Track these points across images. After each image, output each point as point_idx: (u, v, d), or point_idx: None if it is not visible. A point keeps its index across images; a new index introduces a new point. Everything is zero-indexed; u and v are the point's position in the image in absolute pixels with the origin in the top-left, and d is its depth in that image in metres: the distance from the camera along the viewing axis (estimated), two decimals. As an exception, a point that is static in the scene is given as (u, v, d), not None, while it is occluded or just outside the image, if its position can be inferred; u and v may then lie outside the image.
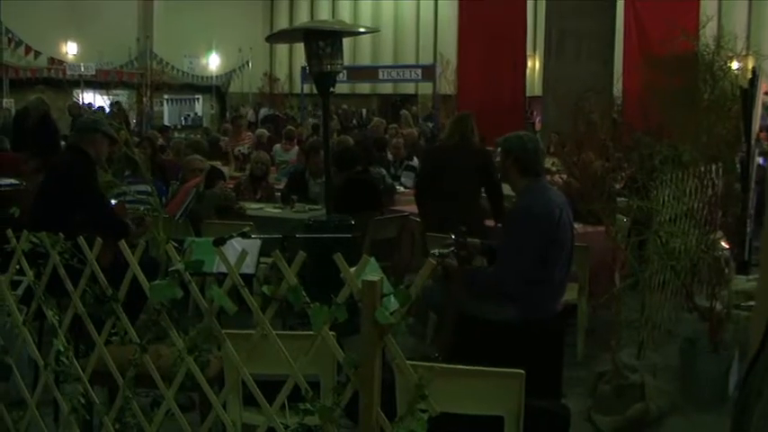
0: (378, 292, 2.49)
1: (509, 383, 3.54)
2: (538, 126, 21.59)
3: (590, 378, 5.87)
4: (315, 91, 8.16)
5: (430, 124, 22.97)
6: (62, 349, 3.33)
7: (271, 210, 8.98)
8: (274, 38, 9.46)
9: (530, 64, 24.26)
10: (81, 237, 3.23)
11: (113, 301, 3.09)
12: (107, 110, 23.18)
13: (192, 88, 30.45)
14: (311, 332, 3.93)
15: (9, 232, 3.42)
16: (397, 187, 10.91)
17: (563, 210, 5.24)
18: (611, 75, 17.24)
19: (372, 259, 2.74)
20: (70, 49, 26.64)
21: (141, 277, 3.01)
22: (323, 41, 7.34)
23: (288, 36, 9.79)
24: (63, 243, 3.25)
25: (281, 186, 10.24)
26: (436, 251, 4.94)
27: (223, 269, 3.25)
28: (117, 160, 7.88)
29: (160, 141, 13.89)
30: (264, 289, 2.68)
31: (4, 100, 23.73)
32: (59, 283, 3.35)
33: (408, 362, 2.58)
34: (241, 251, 3.19)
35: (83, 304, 3.22)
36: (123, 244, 3.07)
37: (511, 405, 3.53)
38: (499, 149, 5.69)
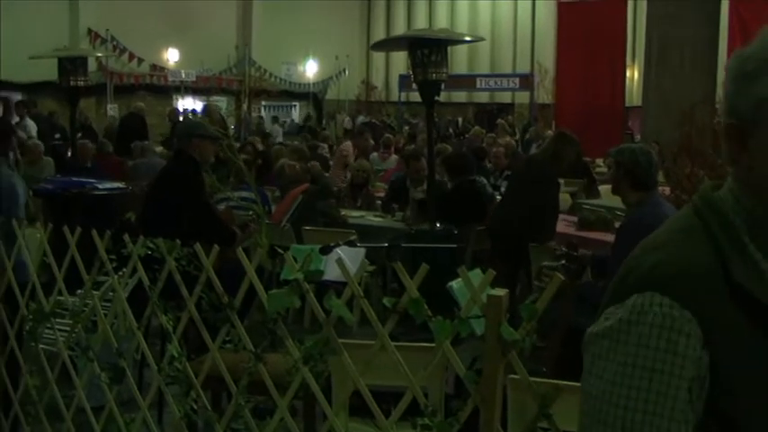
0: (503, 307, 2.43)
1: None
2: (637, 137, 21.25)
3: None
4: (412, 99, 8.15)
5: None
6: (176, 355, 3.34)
7: (371, 218, 8.96)
8: (378, 46, 9.48)
9: (628, 74, 23.88)
10: (197, 244, 3.23)
11: (229, 309, 3.08)
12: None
13: (288, 95, 30.71)
14: (423, 344, 3.91)
15: (126, 237, 3.44)
16: (497, 197, 10.80)
17: (676, 225, 5.10)
18: (715, 83, 16.83)
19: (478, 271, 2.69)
20: (172, 56, 27.08)
21: (258, 286, 3.00)
22: (428, 50, 7.31)
23: (392, 45, 9.80)
24: (180, 249, 3.26)
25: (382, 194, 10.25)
26: (546, 264, 4.85)
27: (330, 277, 3.23)
28: (221, 166, 7.95)
29: (260, 147, 14.02)
30: (386, 301, 2.64)
31: (109, 105, 24.23)
32: (169, 287, 3.37)
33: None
34: (346, 259, 3.17)
35: (198, 311, 3.23)
36: (241, 252, 3.06)
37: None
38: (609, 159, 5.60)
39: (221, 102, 27.56)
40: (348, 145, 14.13)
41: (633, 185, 5.21)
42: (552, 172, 7.60)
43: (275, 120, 28.56)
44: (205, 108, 23.10)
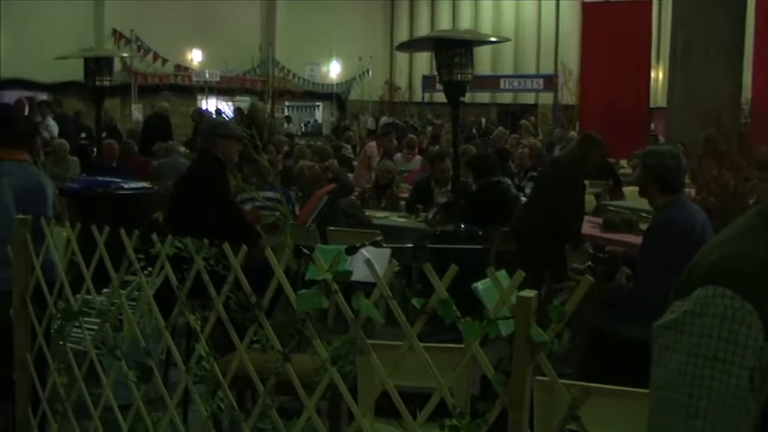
0: (532, 309, 2.43)
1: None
2: (661, 138, 21.15)
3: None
4: (435, 99, 8.18)
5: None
6: (204, 354, 3.35)
7: (396, 219, 8.97)
8: (404, 47, 9.49)
9: (652, 74, 23.76)
10: (226, 243, 3.24)
11: (257, 309, 3.09)
12: (230, 115, 23.59)
13: (312, 95, 30.77)
14: (450, 345, 3.90)
15: (154, 236, 3.45)
16: (522, 199, 10.78)
17: (705, 227, 5.08)
18: (740, 83, 16.71)
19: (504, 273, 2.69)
20: (195, 57, 27.20)
21: (287, 286, 3.00)
22: (454, 51, 7.31)
23: (417, 45, 9.81)
24: (208, 249, 3.27)
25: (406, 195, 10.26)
26: (576, 265, 4.85)
27: (356, 278, 3.23)
28: (245, 166, 7.98)
29: (286, 148, 14.08)
30: (414, 301, 2.64)
31: (133, 105, 24.35)
32: (194, 286, 3.38)
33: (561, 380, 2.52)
34: (373, 259, 3.17)
35: (225, 310, 3.24)
36: (269, 252, 3.07)
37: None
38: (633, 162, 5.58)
39: (245, 102, 27.63)
40: (372, 145, 14.15)
41: (661, 189, 5.19)
42: (577, 174, 7.57)
43: (288, 120, 28.55)
44: (236, 110, 23.20)
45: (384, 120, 27.98)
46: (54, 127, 17.73)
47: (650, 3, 21.55)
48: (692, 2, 16.37)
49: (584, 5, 24.10)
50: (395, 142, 16.27)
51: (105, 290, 4.29)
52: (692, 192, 9.81)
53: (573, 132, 22.34)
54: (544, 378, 2.56)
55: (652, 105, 22.75)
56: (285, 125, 26.84)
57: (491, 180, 8.76)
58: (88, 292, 3.77)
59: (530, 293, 2.44)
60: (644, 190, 5.37)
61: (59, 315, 3.84)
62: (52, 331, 3.96)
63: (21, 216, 4.05)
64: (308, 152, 12.12)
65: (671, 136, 17.32)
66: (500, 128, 21.33)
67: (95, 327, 3.84)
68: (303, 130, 29.90)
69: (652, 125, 24.36)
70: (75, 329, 3.95)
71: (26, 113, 16.15)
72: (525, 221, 7.63)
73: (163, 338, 3.53)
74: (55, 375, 3.89)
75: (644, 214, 7.94)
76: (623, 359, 4.91)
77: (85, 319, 3.92)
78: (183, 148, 16.48)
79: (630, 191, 10.64)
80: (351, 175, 11.75)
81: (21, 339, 4.05)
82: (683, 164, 5.37)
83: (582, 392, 2.49)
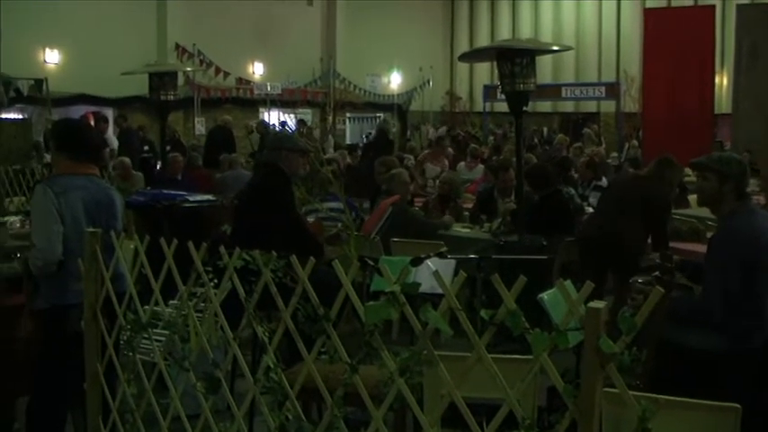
0: (602, 320, 2.40)
1: (725, 418, 3.37)
2: (727, 144, 20.85)
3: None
4: (496, 109, 8.18)
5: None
6: (272, 365, 3.36)
7: (459, 229, 8.96)
8: (466, 57, 9.49)
9: (716, 80, 23.45)
10: (293, 255, 3.26)
11: (325, 321, 3.10)
12: (293, 128, 23.73)
13: (373, 107, 30.83)
14: (517, 356, 3.89)
15: (222, 249, 3.48)
16: (586, 208, 10.70)
17: (773, 234, 4.99)
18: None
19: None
20: (257, 70, 27.40)
21: (354, 298, 3.01)
22: (516, 60, 7.29)
23: (479, 55, 9.80)
24: (276, 261, 3.29)
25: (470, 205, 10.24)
26: (638, 279, 4.80)
27: (422, 289, 3.22)
28: (309, 178, 8.02)
29: (347, 160, 14.15)
30: (483, 313, 2.63)
31: (196, 119, 24.62)
32: (261, 298, 3.40)
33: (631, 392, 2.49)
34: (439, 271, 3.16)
35: (293, 322, 3.25)
36: (337, 263, 3.08)
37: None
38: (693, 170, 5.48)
39: (307, 114, 27.79)
40: (426, 153, 14.33)
41: (738, 196, 5.12)
42: (664, 195, 7.56)
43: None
44: (299, 122, 23.31)
45: (441, 130, 27.90)
46: (114, 141, 18.01)
47: (713, 8, 21.32)
48: (756, 7, 16.16)
49: (645, 11, 23.91)
50: (450, 150, 16.34)
51: (172, 301, 4.34)
52: (761, 199, 9.66)
53: (634, 141, 22.15)
54: (613, 390, 2.53)
55: (716, 112, 22.45)
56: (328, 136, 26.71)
57: (551, 190, 8.72)
58: (157, 304, 3.81)
59: (599, 304, 2.42)
60: (714, 198, 5.24)
61: (129, 326, 3.88)
62: (122, 342, 4.01)
63: (91, 229, 4.11)
64: (376, 164, 12.13)
65: (737, 142, 17.09)
66: (560, 135, 21.19)
67: (163, 338, 3.88)
68: (365, 141, 29.98)
69: (717, 131, 24.06)
70: (143, 341, 4.00)
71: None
72: (602, 232, 7.55)
73: (230, 349, 3.56)
74: (125, 386, 3.94)
75: (711, 223, 7.84)
76: (689, 370, 4.85)
77: (154, 330, 3.97)
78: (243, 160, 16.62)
79: (695, 199, 10.51)
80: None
81: (91, 350, 4.10)
82: (747, 170, 5.31)
83: (652, 404, 2.46)
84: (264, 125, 21.28)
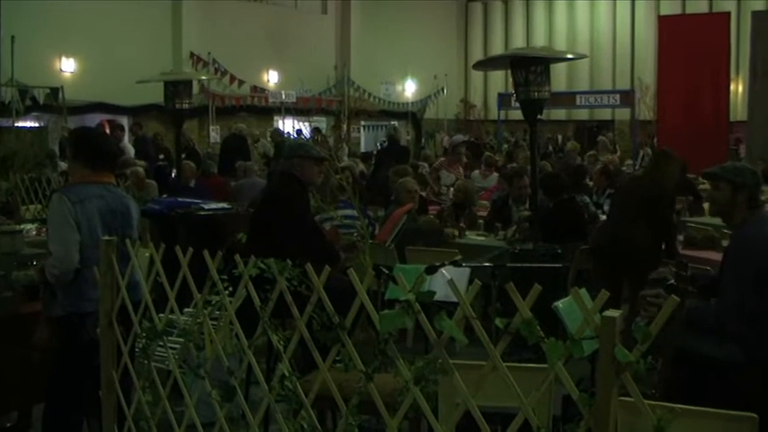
0: (617, 329, 2.40)
1: (741, 428, 3.35)
2: (742, 153, 20.78)
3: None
4: (511, 117, 8.19)
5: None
6: (287, 374, 3.37)
7: (474, 237, 8.96)
8: (480, 65, 9.50)
9: (731, 87, 23.38)
10: (308, 264, 3.27)
11: (340, 329, 3.11)
12: (307, 135, 23.76)
13: (387, 114, 30.85)
14: (532, 365, 3.88)
15: (238, 258, 3.49)
16: (601, 216, 10.68)
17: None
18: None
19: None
20: (272, 78, 27.45)
21: (369, 306, 3.01)
22: (530, 68, 7.29)
23: (493, 63, 9.81)
24: (291, 270, 3.30)
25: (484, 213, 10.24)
26: (648, 292, 4.78)
27: (436, 297, 3.22)
28: (323, 186, 8.03)
29: (361, 167, 14.16)
30: (497, 321, 2.64)
31: (211, 127, 24.68)
32: (276, 306, 3.40)
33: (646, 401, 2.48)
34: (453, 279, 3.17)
35: (308, 330, 3.26)
36: (352, 272, 3.09)
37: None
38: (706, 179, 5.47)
39: (321, 122, 27.82)
40: (442, 160, 14.33)
41: (749, 206, 5.10)
42: (663, 190, 7.53)
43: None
44: (315, 130, 23.31)
45: (457, 138, 27.86)
46: (130, 149, 18.07)
47: (728, 15, 21.26)
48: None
49: (660, 19, 23.86)
50: (464, 158, 16.35)
51: (187, 309, 4.35)
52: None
53: (647, 149, 22.10)
54: (629, 398, 2.53)
55: (732, 119, 22.38)
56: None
57: (564, 198, 8.72)
58: (172, 312, 3.82)
59: (614, 313, 2.42)
60: (728, 208, 5.22)
61: (144, 334, 3.90)
62: (137, 350, 4.03)
63: (107, 238, 4.13)
64: (390, 173, 12.15)
65: (752, 149, 17.03)
66: (571, 142, 21.13)
67: (179, 346, 3.90)
68: (379, 149, 29.97)
69: (733, 138, 23.97)
70: (159, 348, 4.01)
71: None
72: (613, 239, 7.54)
73: (245, 357, 3.57)
74: (140, 393, 3.95)
75: (726, 231, 7.82)
76: (705, 379, 4.83)
77: (169, 338, 3.98)
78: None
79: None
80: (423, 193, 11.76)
81: (107, 358, 4.12)
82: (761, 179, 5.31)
83: (668, 413, 2.45)
84: (279, 133, 21.31)
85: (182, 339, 3.80)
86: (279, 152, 17.67)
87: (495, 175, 14.25)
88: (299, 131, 24.48)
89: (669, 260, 7.17)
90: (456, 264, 5.02)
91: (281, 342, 3.40)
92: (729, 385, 4.68)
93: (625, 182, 9.35)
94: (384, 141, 30.28)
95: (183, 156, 14.12)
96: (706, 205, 11.33)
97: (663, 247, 7.63)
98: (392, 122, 29.50)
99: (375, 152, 27.39)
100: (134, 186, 12.01)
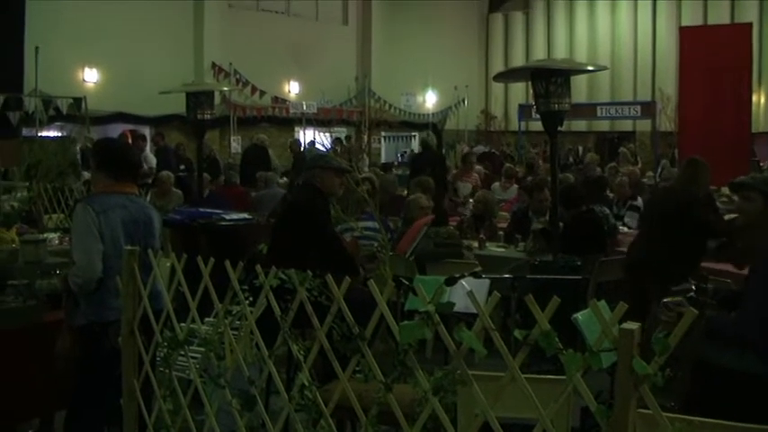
0: (635, 341, 2.41)
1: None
2: (763, 163, 20.67)
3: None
4: (531, 128, 8.20)
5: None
6: (306, 383, 3.39)
7: (494, 249, 8.96)
8: (501, 77, 9.51)
9: (754, 98, 23.24)
10: (329, 274, 3.29)
11: (360, 339, 3.12)
12: (328, 146, 23.78)
13: (408, 125, 30.87)
14: (550, 376, 3.89)
15: (258, 268, 3.52)
16: (621, 228, 10.66)
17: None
18: None
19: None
20: (293, 89, 27.52)
21: (389, 317, 3.03)
22: (551, 80, 7.30)
23: (514, 75, 9.82)
24: (311, 280, 3.32)
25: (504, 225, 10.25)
26: (669, 299, 4.77)
27: (456, 309, 3.24)
28: (343, 197, 8.05)
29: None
30: (516, 333, 2.65)
31: (232, 137, 24.76)
32: (296, 316, 3.43)
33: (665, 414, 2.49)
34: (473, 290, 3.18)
35: (328, 341, 3.28)
36: (372, 283, 3.11)
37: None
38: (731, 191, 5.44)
39: (342, 133, 27.86)
40: (455, 173, 14.38)
41: None
42: (693, 198, 7.48)
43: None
44: (335, 140, 23.31)
45: (479, 149, 27.83)
46: (152, 159, 18.17)
47: (750, 25, 21.15)
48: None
49: (681, 30, 23.77)
50: (475, 166, 16.37)
51: (208, 319, 4.38)
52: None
53: (665, 161, 22.00)
54: (647, 411, 2.53)
55: (754, 131, 22.24)
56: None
57: (582, 209, 8.70)
58: (193, 322, 3.85)
59: (633, 325, 2.43)
60: (759, 219, 5.15)
61: (165, 343, 3.93)
62: (158, 359, 4.06)
63: (129, 247, 4.16)
64: (412, 184, 12.17)
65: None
66: (590, 154, 21.07)
67: (199, 355, 3.92)
68: (400, 160, 29.97)
69: (756, 149, 23.83)
70: (180, 358, 4.04)
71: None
72: (647, 255, 7.44)
73: (266, 367, 3.59)
74: (161, 402, 3.98)
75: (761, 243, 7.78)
76: (726, 391, 4.81)
77: (190, 347, 4.01)
78: (282, 179, 16.69)
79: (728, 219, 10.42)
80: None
81: (128, 367, 4.15)
82: None
83: (686, 426, 2.46)
84: (298, 144, 21.36)
85: (203, 349, 3.83)
86: (297, 163, 17.72)
87: (515, 186, 14.26)
88: (312, 142, 24.43)
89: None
90: (476, 275, 5.03)
91: (302, 352, 3.42)
92: (749, 397, 4.66)
93: (656, 195, 9.27)
94: (405, 152, 30.43)
95: (205, 166, 14.18)
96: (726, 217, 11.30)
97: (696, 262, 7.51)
98: (426, 130, 29.55)
99: (396, 163, 27.45)
100: (155, 195, 12.07)
